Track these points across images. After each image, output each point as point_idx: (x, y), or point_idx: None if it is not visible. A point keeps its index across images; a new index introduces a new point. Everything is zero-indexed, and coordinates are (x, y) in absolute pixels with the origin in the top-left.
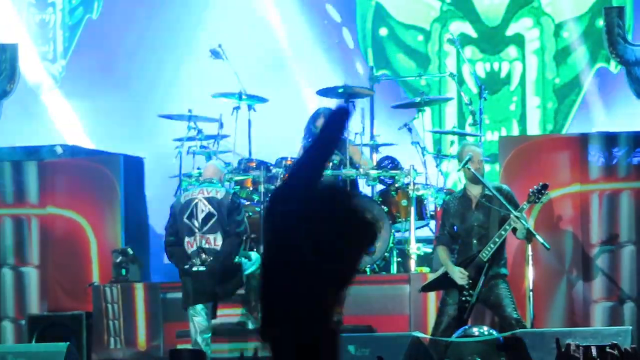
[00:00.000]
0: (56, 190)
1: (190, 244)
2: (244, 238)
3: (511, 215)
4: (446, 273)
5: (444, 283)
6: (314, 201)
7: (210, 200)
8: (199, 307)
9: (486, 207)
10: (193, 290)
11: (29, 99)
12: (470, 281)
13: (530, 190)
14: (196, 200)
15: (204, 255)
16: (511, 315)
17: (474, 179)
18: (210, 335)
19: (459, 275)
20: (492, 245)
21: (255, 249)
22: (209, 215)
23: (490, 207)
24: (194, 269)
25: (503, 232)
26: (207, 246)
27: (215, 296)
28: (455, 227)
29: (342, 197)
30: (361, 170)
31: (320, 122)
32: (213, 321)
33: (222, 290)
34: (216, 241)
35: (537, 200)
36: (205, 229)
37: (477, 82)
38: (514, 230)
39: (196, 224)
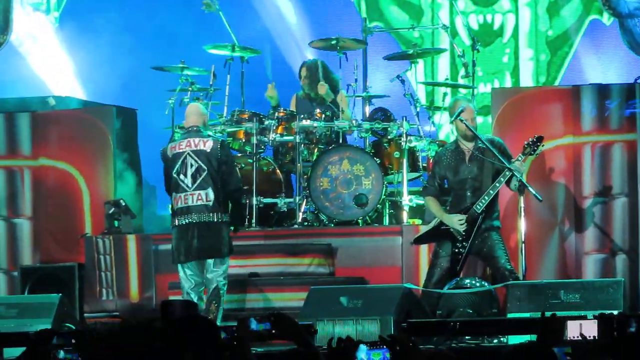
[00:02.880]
0: (49, 141)
1: (177, 200)
2: (243, 192)
3: (506, 168)
4: (439, 225)
5: (436, 235)
6: None
7: (198, 153)
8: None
9: (479, 159)
10: (183, 247)
11: (21, 50)
12: (464, 233)
13: (526, 142)
14: (184, 155)
15: (193, 214)
16: (504, 267)
17: (467, 132)
18: (202, 289)
19: (458, 221)
20: (486, 198)
21: (247, 201)
22: (198, 170)
23: (483, 159)
24: (182, 224)
25: (497, 184)
26: (198, 203)
27: (203, 254)
28: (446, 180)
29: None
30: (353, 122)
31: (302, 71)
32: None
33: (209, 246)
34: (208, 197)
35: (532, 152)
36: (195, 185)
37: (470, 34)
38: (508, 182)
39: (186, 181)
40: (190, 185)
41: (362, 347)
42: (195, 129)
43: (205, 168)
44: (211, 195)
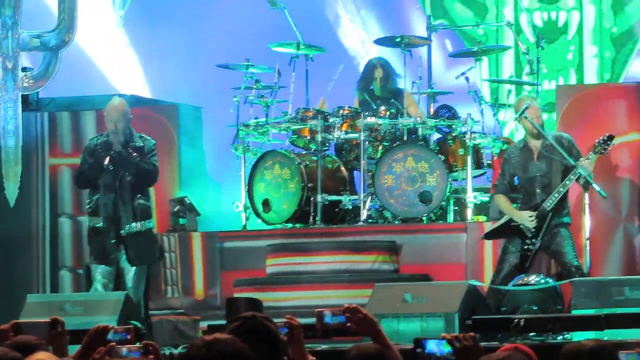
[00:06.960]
0: None
1: None
2: None
3: (577, 165)
4: (509, 221)
5: (506, 231)
6: None
7: None
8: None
9: (548, 157)
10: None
11: (86, 48)
12: (534, 230)
13: (597, 140)
14: None
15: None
16: (571, 263)
17: (533, 130)
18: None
19: (528, 218)
20: (556, 195)
21: (312, 198)
22: None
23: (552, 157)
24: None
25: (568, 182)
26: None
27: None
28: (516, 178)
29: None
30: (418, 119)
31: (377, 72)
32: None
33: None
34: None
35: (603, 151)
36: None
37: (535, 31)
38: (578, 179)
39: None
40: None
41: (431, 340)
42: None
43: None
44: None
